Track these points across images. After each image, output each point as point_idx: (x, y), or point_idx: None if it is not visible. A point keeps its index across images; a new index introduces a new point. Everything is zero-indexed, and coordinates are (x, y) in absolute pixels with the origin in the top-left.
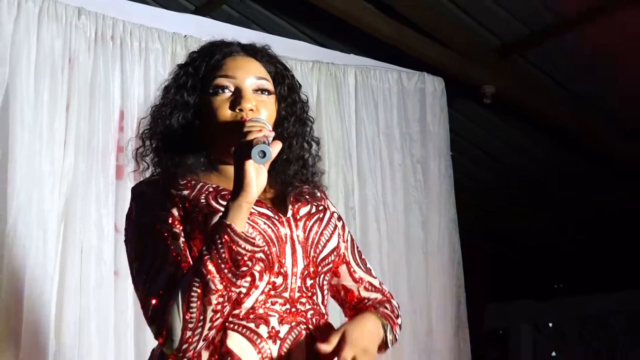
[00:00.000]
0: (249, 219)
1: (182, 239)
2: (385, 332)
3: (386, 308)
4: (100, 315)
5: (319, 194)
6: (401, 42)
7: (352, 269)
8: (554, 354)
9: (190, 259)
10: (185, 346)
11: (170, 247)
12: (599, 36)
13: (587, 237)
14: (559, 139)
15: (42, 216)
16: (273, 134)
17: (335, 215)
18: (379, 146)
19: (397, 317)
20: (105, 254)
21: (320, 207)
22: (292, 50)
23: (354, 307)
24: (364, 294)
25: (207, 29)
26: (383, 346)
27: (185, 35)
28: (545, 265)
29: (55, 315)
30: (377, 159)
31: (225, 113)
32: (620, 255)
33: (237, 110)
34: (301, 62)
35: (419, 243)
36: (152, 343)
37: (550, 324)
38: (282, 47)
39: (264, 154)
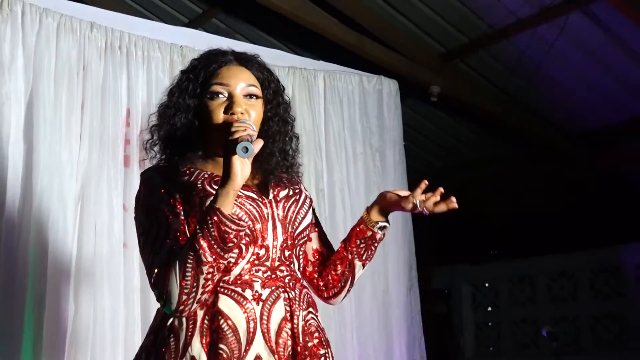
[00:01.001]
0: (237, 201)
1: (181, 218)
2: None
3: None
4: (112, 281)
5: (295, 180)
6: (362, 50)
7: (322, 237)
8: (489, 309)
9: (188, 235)
10: (181, 307)
11: (172, 225)
12: (525, 44)
13: (516, 210)
14: (492, 129)
15: (61, 198)
16: (256, 133)
17: (309, 197)
18: (343, 138)
19: None
20: (115, 230)
21: (297, 190)
22: (270, 58)
23: (323, 262)
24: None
25: (199, 40)
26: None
27: (181, 45)
28: (483, 234)
29: (74, 281)
30: (342, 148)
31: (219, 116)
32: (541, 227)
33: (229, 114)
34: (279, 67)
35: None
36: (156, 304)
37: (487, 284)
38: (263, 55)
39: (246, 150)
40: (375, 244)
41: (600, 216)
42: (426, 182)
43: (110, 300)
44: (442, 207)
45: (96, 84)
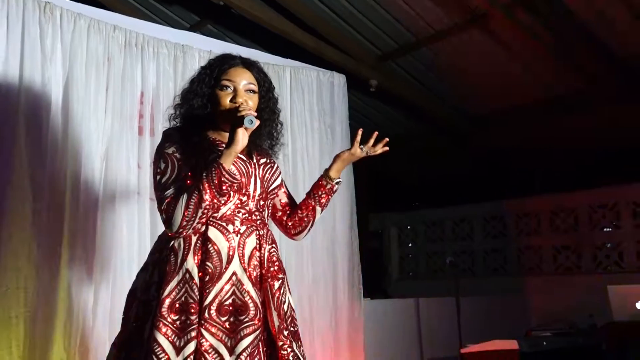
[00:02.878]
0: (234, 162)
1: (189, 167)
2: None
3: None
4: (129, 220)
5: (271, 155)
6: (319, 51)
7: (288, 195)
8: (410, 245)
9: (191, 180)
10: (181, 230)
11: (181, 170)
12: (444, 50)
13: (430, 173)
14: (415, 113)
15: (90, 158)
16: (255, 114)
17: (279, 168)
18: (304, 117)
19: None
20: (131, 182)
21: (272, 161)
22: (250, 56)
23: (291, 209)
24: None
25: (197, 41)
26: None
27: (183, 45)
28: (407, 190)
29: (100, 220)
30: (303, 124)
31: (226, 103)
32: (448, 185)
33: (233, 102)
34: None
35: None
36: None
37: (409, 227)
38: (244, 54)
39: (251, 122)
40: (332, 195)
41: (490, 178)
42: (361, 129)
43: (127, 233)
44: (379, 147)
45: (117, 72)
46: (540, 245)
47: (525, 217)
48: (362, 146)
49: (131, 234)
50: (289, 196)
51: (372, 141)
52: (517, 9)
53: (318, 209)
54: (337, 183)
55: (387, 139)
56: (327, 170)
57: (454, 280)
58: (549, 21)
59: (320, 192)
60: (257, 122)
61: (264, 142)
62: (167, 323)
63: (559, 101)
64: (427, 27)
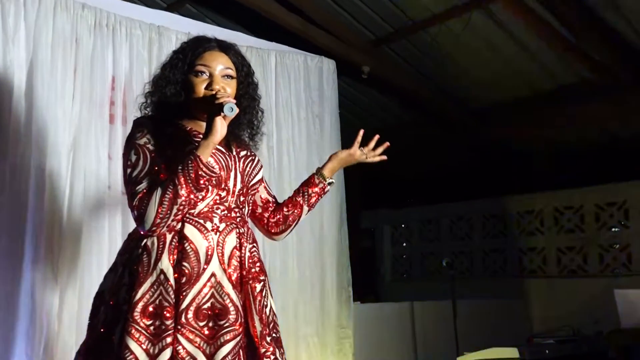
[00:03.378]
0: (213, 154)
1: (163, 159)
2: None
3: None
4: (98, 216)
5: (251, 148)
6: (307, 34)
7: (268, 190)
8: (404, 244)
9: (165, 172)
10: (154, 228)
11: (154, 162)
12: (442, 35)
13: (426, 167)
14: (410, 102)
15: (56, 148)
16: (235, 101)
17: (260, 162)
18: (290, 105)
19: None
20: (101, 175)
21: (253, 154)
22: (231, 39)
23: (272, 206)
24: (278, 201)
25: (174, 22)
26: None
27: (159, 26)
28: (401, 186)
29: (66, 216)
30: (289, 114)
31: (201, 90)
32: (445, 181)
33: (209, 89)
34: (239, 47)
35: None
36: None
37: (403, 225)
38: (225, 36)
39: (231, 109)
40: (322, 195)
41: (490, 173)
42: (363, 130)
43: (96, 231)
44: (379, 150)
45: (86, 55)
46: (544, 246)
47: (527, 215)
48: (361, 148)
49: (101, 231)
50: (269, 192)
51: (372, 144)
52: None
53: (305, 208)
54: (330, 184)
55: (388, 144)
56: (320, 169)
57: (450, 283)
58: (556, 5)
59: (310, 191)
60: (237, 110)
61: (244, 132)
62: (139, 328)
63: (566, 92)
64: (425, 10)
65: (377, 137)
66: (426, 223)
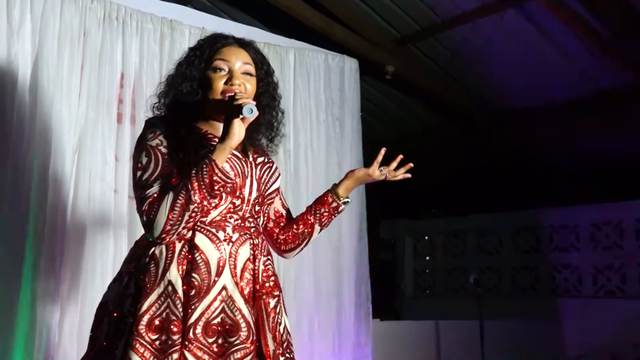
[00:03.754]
0: (228, 159)
1: (175, 162)
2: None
3: None
4: (103, 220)
5: (268, 154)
6: (328, 31)
7: (283, 201)
8: (427, 258)
9: (177, 178)
10: (164, 235)
11: (166, 166)
12: (472, 34)
13: (453, 175)
14: (435, 105)
15: (61, 148)
16: (255, 102)
17: (279, 169)
18: (309, 107)
19: None
20: (107, 177)
21: (271, 160)
22: (248, 35)
23: (284, 221)
24: (292, 215)
25: (187, 16)
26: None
27: (171, 20)
28: (425, 194)
29: (70, 219)
30: (307, 116)
31: (220, 86)
32: (473, 190)
33: (229, 85)
34: (256, 43)
35: (335, 176)
36: None
37: (426, 237)
38: (242, 32)
39: (251, 111)
40: (336, 215)
41: (523, 184)
42: (385, 149)
43: (101, 237)
44: (401, 171)
45: (95, 49)
46: (579, 264)
47: (562, 230)
48: (382, 168)
49: (106, 238)
50: (283, 204)
51: (394, 164)
52: None
53: (317, 227)
54: (345, 203)
55: (412, 165)
56: (335, 186)
57: (477, 301)
58: (595, 4)
59: (323, 210)
60: (257, 112)
61: (262, 135)
62: (144, 343)
63: (606, 98)
64: (455, 7)
65: (400, 157)
66: (451, 235)
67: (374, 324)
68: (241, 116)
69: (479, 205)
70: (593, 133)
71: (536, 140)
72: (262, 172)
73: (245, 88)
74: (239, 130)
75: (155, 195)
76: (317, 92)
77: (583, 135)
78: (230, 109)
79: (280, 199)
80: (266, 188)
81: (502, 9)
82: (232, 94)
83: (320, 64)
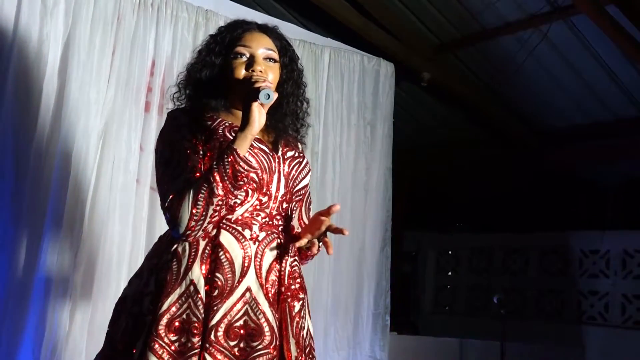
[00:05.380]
0: (253, 151)
1: (199, 156)
2: None
3: None
4: (123, 211)
5: (300, 147)
6: (366, 33)
7: (303, 209)
8: (449, 273)
9: (202, 172)
10: (188, 232)
11: (190, 160)
12: (511, 46)
13: (483, 190)
14: (472, 116)
15: (86, 133)
16: (272, 85)
17: (309, 164)
18: (340, 109)
19: None
20: (131, 166)
21: (301, 155)
22: (284, 31)
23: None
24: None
25: (223, 7)
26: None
27: (206, 10)
28: (452, 207)
29: (89, 208)
30: (338, 118)
31: (241, 72)
32: (503, 207)
33: (250, 71)
34: (290, 40)
35: (362, 183)
36: (159, 233)
37: (450, 252)
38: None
39: (268, 96)
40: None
41: (554, 204)
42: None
43: (119, 227)
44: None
45: (127, 35)
46: (607, 291)
47: (592, 255)
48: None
49: (124, 229)
50: (302, 211)
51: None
52: (610, 3)
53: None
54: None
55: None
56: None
57: (501, 322)
58: None
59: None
60: (274, 96)
61: (289, 125)
62: (163, 344)
63: None
64: (498, 17)
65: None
66: (476, 252)
67: (391, 337)
68: (259, 101)
69: (507, 223)
70: (632, 156)
71: (572, 160)
72: (291, 167)
73: (267, 74)
74: (258, 116)
75: (179, 191)
76: (350, 94)
77: (622, 158)
78: (248, 94)
79: (302, 207)
80: (295, 184)
81: (548, 21)
82: (250, 76)
83: (356, 66)
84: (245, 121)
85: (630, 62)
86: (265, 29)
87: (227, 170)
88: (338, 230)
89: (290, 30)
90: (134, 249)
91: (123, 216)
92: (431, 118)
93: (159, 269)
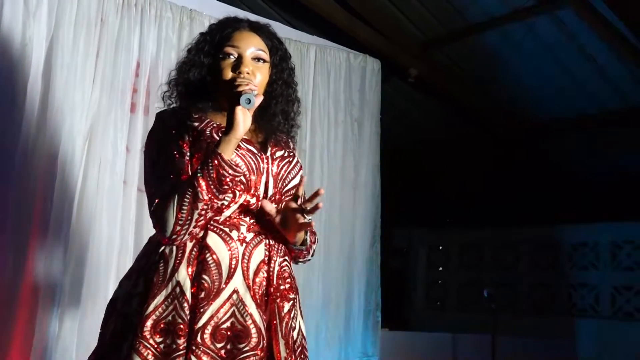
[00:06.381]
0: (240, 152)
1: (187, 158)
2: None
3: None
4: (110, 212)
5: (291, 145)
6: (352, 30)
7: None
8: (440, 269)
9: (189, 174)
10: (174, 236)
11: (177, 163)
12: (496, 40)
13: (471, 185)
14: (458, 112)
15: (71, 135)
16: (257, 89)
17: (299, 163)
18: (327, 106)
19: (315, 242)
20: (117, 167)
21: (291, 154)
22: None
23: None
24: None
25: (207, 6)
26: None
27: (191, 9)
28: (442, 203)
29: (76, 210)
30: (325, 115)
31: (228, 73)
32: (492, 202)
33: (237, 73)
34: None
35: (350, 180)
36: (148, 235)
37: (440, 247)
38: None
39: (249, 101)
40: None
41: (543, 198)
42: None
43: (107, 229)
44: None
45: (111, 36)
46: (597, 283)
47: (581, 247)
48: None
49: (112, 230)
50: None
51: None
52: None
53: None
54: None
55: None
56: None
57: (491, 317)
58: (630, 14)
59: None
60: (257, 101)
61: (280, 124)
62: (148, 345)
63: (638, 113)
64: (483, 12)
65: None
66: (467, 248)
67: (383, 333)
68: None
69: (498, 219)
70: (620, 148)
71: (561, 154)
72: (280, 167)
73: (255, 76)
74: (242, 119)
75: (164, 195)
76: (337, 92)
77: (610, 150)
78: (231, 96)
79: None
80: (284, 184)
81: (533, 15)
82: (236, 79)
83: (342, 63)
84: (230, 125)
85: (616, 54)
86: (256, 28)
87: (212, 175)
88: (314, 198)
89: (276, 29)
90: (122, 251)
91: (111, 218)
92: (419, 114)
93: (147, 270)
